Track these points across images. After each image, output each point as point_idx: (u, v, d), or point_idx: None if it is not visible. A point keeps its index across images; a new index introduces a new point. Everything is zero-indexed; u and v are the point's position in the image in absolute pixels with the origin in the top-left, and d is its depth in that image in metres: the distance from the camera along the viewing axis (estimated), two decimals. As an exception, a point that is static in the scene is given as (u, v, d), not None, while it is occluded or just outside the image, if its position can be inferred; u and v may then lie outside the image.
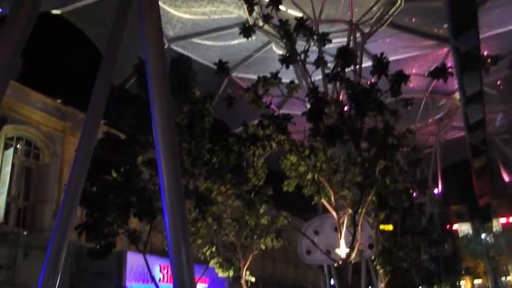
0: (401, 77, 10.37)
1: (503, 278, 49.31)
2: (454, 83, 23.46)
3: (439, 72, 10.66)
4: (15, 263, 13.52)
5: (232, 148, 11.70)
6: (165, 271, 17.47)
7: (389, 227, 17.42)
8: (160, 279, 16.81)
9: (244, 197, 12.05)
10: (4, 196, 14.52)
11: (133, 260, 16.23)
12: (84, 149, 6.35)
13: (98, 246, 10.32)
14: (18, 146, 16.33)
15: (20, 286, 13.19)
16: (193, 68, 12.21)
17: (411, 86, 23.79)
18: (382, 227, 16.51)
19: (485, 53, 18.31)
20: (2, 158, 15.01)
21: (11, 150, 15.21)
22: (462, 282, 45.03)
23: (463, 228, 53.29)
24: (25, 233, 15.25)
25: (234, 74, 24.98)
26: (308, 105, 10.44)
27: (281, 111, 13.38)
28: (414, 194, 18.17)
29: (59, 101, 17.99)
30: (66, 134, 17.62)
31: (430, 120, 36.76)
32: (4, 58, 4.79)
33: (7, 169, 14.82)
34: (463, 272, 26.20)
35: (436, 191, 41.71)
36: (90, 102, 6.58)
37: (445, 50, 25.10)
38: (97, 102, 6.53)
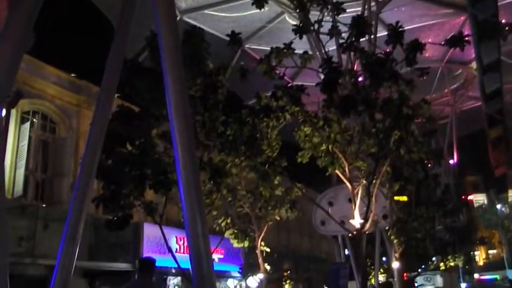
0: (416, 46, 10.18)
1: (518, 248, 49.33)
2: (470, 52, 22.98)
3: (456, 40, 10.43)
4: (34, 235, 13.84)
5: (246, 120, 11.68)
6: (181, 242, 17.78)
7: (404, 198, 17.41)
8: (176, 249, 17.12)
9: (259, 168, 12.09)
10: (22, 170, 14.77)
11: (150, 231, 16.52)
12: (98, 123, 6.37)
13: (115, 218, 10.50)
14: (34, 120, 16.51)
15: (39, 257, 13.53)
16: (206, 39, 12.12)
17: (427, 55, 23.38)
18: (396, 198, 16.50)
19: (503, 21, 17.86)
20: (19, 132, 15.21)
21: (27, 124, 15.40)
22: (476, 253, 45.16)
23: (478, 198, 53.13)
24: (44, 205, 15.55)
25: (247, 46, 24.72)
26: (322, 76, 10.33)
27: (295, 83, 13.27)
28: (429, 165, 18.03)
29: (73, 75, 18.06)
30: (81, 107, 17.75)
31: (446, 90, 36.22)
32: (17, 31, 4.78)
33: (24, 143, 15.03)
34: (477, 242, 26.18)
35: (451, 161, 41.44)
36: (104, 76, 6.57)
37: (462, 18, 24.48)
38: (110, 75, 6.52)
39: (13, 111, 14.69)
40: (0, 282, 4.97)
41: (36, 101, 16.40)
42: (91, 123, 6.73)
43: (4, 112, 11.04)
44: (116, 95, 11.36)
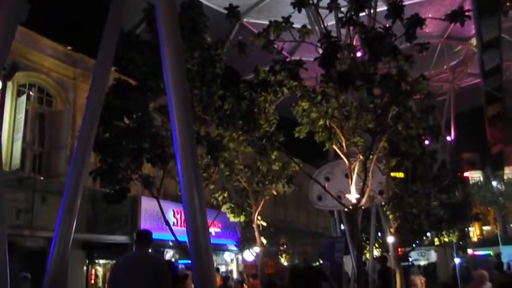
0: (416, 21, 10.06)
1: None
2: (470, 28, 22.81)
3: (456, 15, 10.31)
4: (33, 207, 13.90)
5: (244, 94, 11.64)
6: (179, 215, 17.91)
7: (400, 175, 17.48)
8: (174, 223, 17.25)
9: (256, 143, 12.10)
10: (19, 142, 14.75)
11: (148, 204, 16.63)
12: (95, 95, 6.35)
13: (112, 191, 10.55)
14: (30, 93, 16.41)
15: (38, 229, 13.63)
16: (203, 12, 11.97)
17: (427, 30, 23.20)
18: (393, 174, 16.57)
19: (505, -4, 17.67)
20: (16, 105, 15.14)
21: (23, 97, 15.31)
22: (471, 229, 45.65)
23: (475, 176, 53.46)
24: (41, 178, 15.59)
25: (245, 20, 24.48)
26: (320, 51, 10.24)
27: (293, 58, 13.17)
28: (426, 141, 18.05)
29: (69, 47, 17.88)
30: (78, 80, 17.63)
31: (445, 66, 36.07)
32: (11, 1, 4.72)
33: (21, 116, 14.97)
34: (472, 219, 26.46)
35: (448, 138, 41.53)
36: (100, 48, 6.53)
37: (463, -7, 24.22)
38: (107, 48, 6.48)
39: (9, 84, 14.59)
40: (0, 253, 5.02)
41: (32, 73, 16.27)
42: (87, 96, 6.71)
43: (0, 84, 10.96)
44: (113, 68, 11.30)
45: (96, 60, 6.68)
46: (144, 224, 16.67)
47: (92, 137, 6.32)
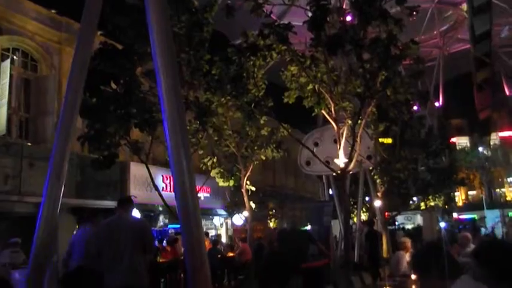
0: (407, -16, 9.94)
1: (497, 190, 50.87)
2: (462, -8, 22.60)
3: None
4: (20, 173, 13.84)
5: (232, 59, 11.51)
6: (168, 181, 17.96)
7: (389, 141, 17.62)
8: (163, 188, 17.32)
9: (245, 108, 12.05)
10: (5, 108, 14.55)
11: (137, 170, 16.63)
12: (80, 59, 6.23)
13: (100, 157, 10.50)
14: (14, 57, 16.09)
15: (26, 194, 13.60)
16: (190, -26, 11.68)
17: (418, -6, 22.86)
18: (381, 140, 16.69)
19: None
20: (0, 70, 14.85)
21: (7, 62, 15.01)
22: (457, 194, 46.41)
23: (462, 141, 54.01)
24: (29, 144, 15.46)
25: (233, -18, 23.97)
26: (310, 14, 10.10)
27: (282, 21, 12.97)
28: (415, 107, 18.12)
29: (53, 10, 17.45)
30: (62, 45, 17.28)
31: (435, 32, 35.90)
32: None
33: (5, 81, 14.71)
34: (458, 183, 26.95)
35: (436, 104, 41.73)
36: (84, 10, 6.36)
37: (456, -45, 23.90)
38: (91, 10, 6.31)
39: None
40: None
41: (15, 37, 15.91)
42: (72, 60, 6.58)
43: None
44: (99, 32, 11.07)
45: (80, 23, 6.52)
46: (134, 189, 16.70)
47: (77, 102, 6.23)
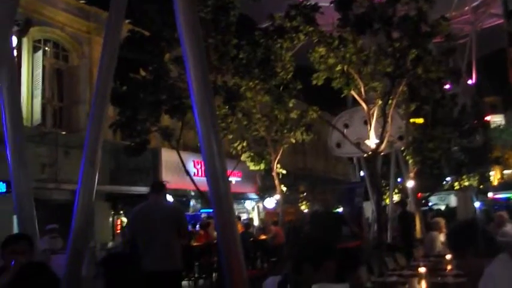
0: (437, -41, 9.66)
1: (533, 167, 49.43)
2: (495, -36, 21.82)
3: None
4: (56, 161, 14.21)
5: (259, 42, 11.46)
6: (199, 166, 18.11)
7: (420, 120, 17.30)
8: (194, 173, 17.50)
9: (273, 91, 12.02)
10: (39, 98, 14.92)
11: (168, 156, 16.82)
12: (109, 48, 6.28)
13: (132, 144, 10.69)
14: (46, 48, 16.41)
15: (62, 182, 13.97)
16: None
17: (448, -31, 22.22)
18: (412, 120, 16.40)
19: None
20: (33, 61, 15.19)
21: (40, 53, 15.33)
22: (491, 173, 45.35)
23: (496, 119, 52.56)
24: (63, 133, 15.84)
25: (258, -35, 23.74)
26: (337, -6, 9.95)
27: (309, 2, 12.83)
28: (447, 85, 17.70)
29: (81, 1, 17.69)
30: (92, 34, 17.52)
31: (466, 8, 34.83)
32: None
33: (38, 71, 15.05)
34: (492, 163, 26.24)
35: (469, 81, 40.66)
36: (111, 0, 6.41)
37: None
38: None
39: (24, 40, 14.58)
40: (27, 206, 5.18)
41: (46, 28, 16.21)
42: (101, 49, 6.66)
43: (15, 41, 10.94)
44: (127, 20, 11.16)
45: (108, 12, 6.58)
46: (166, 175, 16.93)
47: (108, 90, 6.30)
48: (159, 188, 5.96)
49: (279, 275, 2.82)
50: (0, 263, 3.45)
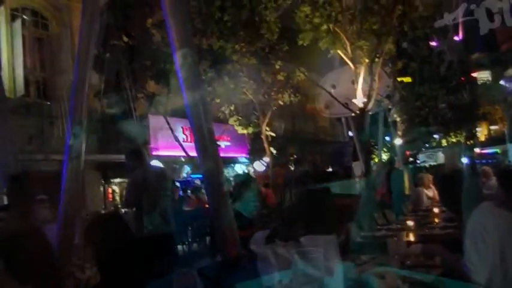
0: None
1: (520, 122, 49.93)
2: None
3: None
4: (42, 132, 14.07)
5: (243, 4, 11.26)
6: (188, 132, 18.04)
7: (408, 79, 17.28)
8: (183, 139, 17.45)
9: (259, 53, 11.89)
10: (21, 69, 14.60)
11: (156, 122, 16.70)
12: (89, 13, 6.13)
13: (119, 112, 10.60)
14: (24, 16, 15.96)
15: (49, 152, 13.86)
16: None
17: None
18: (399, 78, 16.37)
19: None
20: (11, 31, 14.80)
21: (18, 22, 14.92)
22: (478, 129, 45.69)
23: (483, 76, 52.59)
24: (48, 103, 15.61)
25: None
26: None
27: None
28: (434, 43, 17.60)
29: (59, -35, 17.13)
30: (71, 1, 17.05)
31: (453, -39, 34.35)
32: None
33: (18, 41, 14.69)
34: (479, 118, 26.42)
35: (456, 38, 40.49)
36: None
37: None
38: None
39: (1, 10, 14.18)
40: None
41: (23, -5, 15.76)
42: (81, 15, 6.48)
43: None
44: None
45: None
46: (154, 142, 16.87)
47: (90, 58, 6.18)
48: (139, 154, 6.06)
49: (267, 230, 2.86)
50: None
